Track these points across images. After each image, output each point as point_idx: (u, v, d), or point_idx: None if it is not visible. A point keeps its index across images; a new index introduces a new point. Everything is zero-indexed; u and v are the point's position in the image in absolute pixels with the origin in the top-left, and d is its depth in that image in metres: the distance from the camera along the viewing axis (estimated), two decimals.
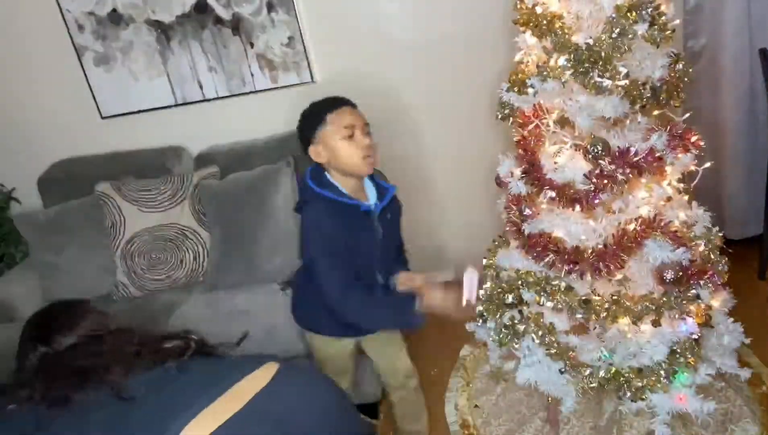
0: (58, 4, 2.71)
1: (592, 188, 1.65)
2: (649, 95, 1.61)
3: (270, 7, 2.63)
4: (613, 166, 1.61)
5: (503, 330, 1.89)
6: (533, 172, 1.73)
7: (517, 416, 2.32)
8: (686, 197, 1.77)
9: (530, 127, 1.74)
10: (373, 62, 2.72)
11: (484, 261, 1.96)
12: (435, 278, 1.82)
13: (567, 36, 1.60)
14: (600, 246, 1.67)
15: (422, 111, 2.82)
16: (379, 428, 2.30)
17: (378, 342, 2.01)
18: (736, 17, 2.48)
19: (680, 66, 1.67)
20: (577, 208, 1.67)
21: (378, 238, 1.82)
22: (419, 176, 2.93)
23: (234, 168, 2.65)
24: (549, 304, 1.81)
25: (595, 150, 1.63)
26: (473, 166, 2.79)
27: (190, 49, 2.73)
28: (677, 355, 1.74)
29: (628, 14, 1.53)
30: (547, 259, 1.74)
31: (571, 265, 1.71)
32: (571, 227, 1.68)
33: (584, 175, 1.65)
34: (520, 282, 1.85)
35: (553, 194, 1.68)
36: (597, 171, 1.64)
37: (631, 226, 1.64)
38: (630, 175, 1.61)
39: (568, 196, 1.66)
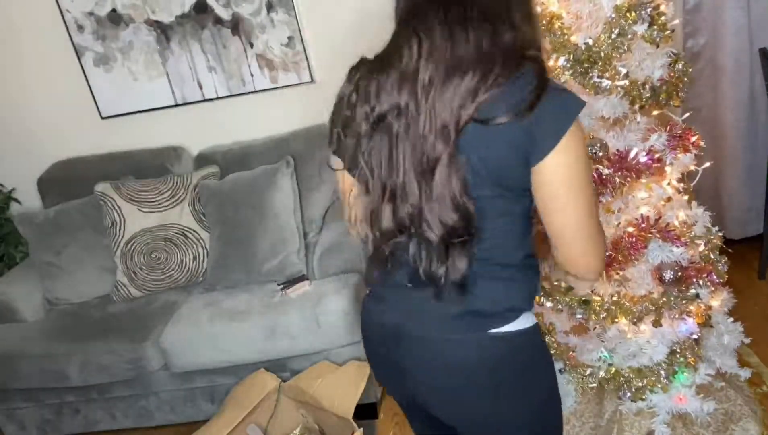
0: (58, 5, 2.71)
1: None
2: (648, 95, 1.61)
3: (270, 7, 2.63)
4: (611, 171, 1.61)
5: None
6: None
7: None
8: (686, 197, 1.77)
9: None
10: None
11: None
12: None
13: (566, 36, 1.60)
14: None
15: None
16: (379, 428, 2.30)
17: None
18: (736, 17, 2.47)
19: (680, 66, 1.67)
20: None
21: None
22: None
23: (234, 168, 2.65)
24: (549, 304, 1.82)
25: (594, 151, 1.63)
26: None
27: (189, 49, 2.73)
28: (677, 355, 1.74)
29: (628, 14, 1.54)
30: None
31: None
32: None
33: None
34: None
35: None
36: (596, 174, 1.64)
37: (631, 229, 1.64)
38: (628, 179, 1.61)
39: None
